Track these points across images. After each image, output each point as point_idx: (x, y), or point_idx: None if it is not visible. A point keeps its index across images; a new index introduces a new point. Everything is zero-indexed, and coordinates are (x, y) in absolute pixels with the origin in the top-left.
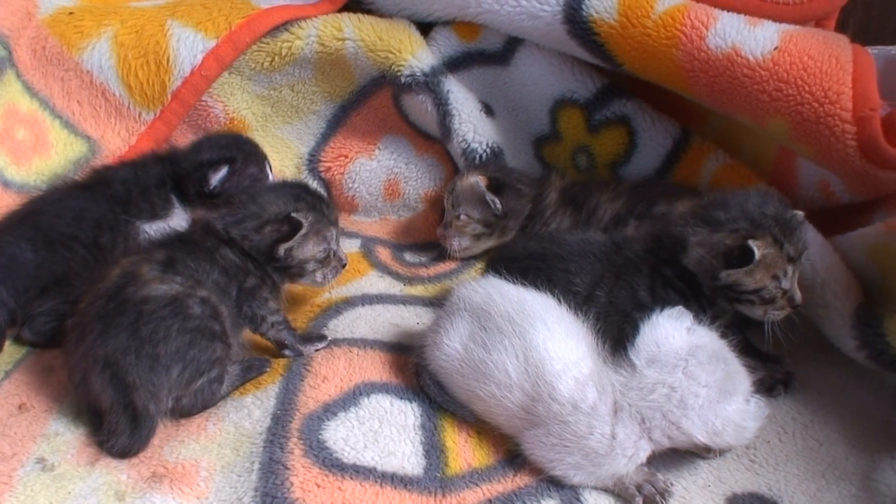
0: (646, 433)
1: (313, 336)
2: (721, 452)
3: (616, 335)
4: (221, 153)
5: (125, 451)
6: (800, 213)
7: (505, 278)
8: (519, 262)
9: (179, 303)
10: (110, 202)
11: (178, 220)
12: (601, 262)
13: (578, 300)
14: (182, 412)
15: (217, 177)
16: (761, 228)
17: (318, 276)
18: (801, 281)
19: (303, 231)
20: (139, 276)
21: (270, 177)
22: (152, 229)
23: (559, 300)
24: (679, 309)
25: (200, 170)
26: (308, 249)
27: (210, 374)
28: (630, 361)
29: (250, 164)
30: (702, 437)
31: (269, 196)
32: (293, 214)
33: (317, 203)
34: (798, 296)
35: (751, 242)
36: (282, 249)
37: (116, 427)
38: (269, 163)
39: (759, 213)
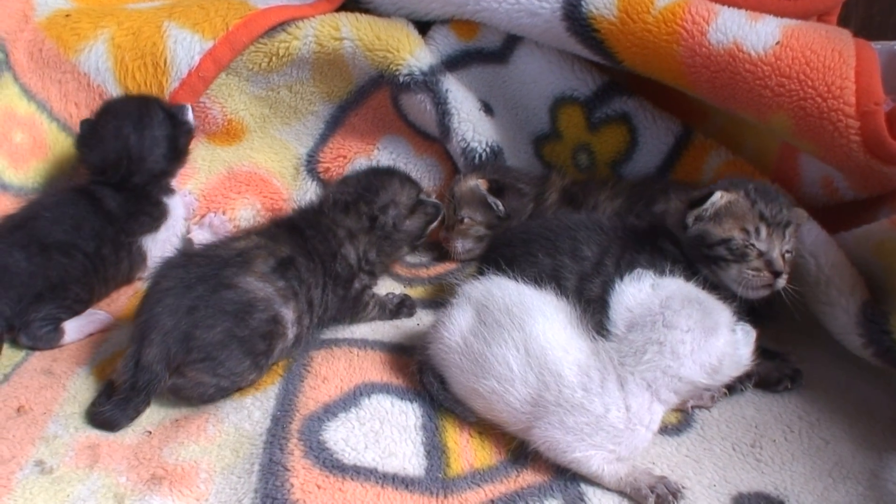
0: (655, 396)
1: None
2: (725, 394)
3: None
4: (167, 107)
5: (112, 419)
6: (802, 211)
7: (507, 251)
8: (523, 234)
9: (249, 308)
10: (109, 218)
11: (178, 210)
12: (607, 235)
13: (586, 267)
14: (174, 389)
15: (189, 113)
16: (735, 187)
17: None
18: (806, 278)
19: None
20: (250, 264)
21: (188, 114)
22: (160, 238)
23: (564, 265)
24: (637, 271)
25: (179, 127)
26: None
27: (221, 382)
28: (612, 334)
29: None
30: (703, 379)
31: (389, 182)
32: (423, 197)
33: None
34: (779, 263)
35: (715, 189)
36: (428, 229)
37: (121, 374)
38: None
39: (740, 181)
